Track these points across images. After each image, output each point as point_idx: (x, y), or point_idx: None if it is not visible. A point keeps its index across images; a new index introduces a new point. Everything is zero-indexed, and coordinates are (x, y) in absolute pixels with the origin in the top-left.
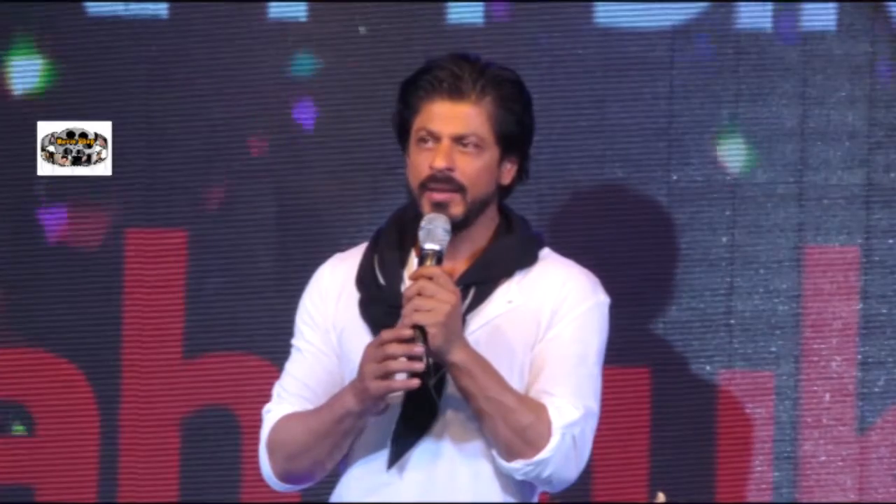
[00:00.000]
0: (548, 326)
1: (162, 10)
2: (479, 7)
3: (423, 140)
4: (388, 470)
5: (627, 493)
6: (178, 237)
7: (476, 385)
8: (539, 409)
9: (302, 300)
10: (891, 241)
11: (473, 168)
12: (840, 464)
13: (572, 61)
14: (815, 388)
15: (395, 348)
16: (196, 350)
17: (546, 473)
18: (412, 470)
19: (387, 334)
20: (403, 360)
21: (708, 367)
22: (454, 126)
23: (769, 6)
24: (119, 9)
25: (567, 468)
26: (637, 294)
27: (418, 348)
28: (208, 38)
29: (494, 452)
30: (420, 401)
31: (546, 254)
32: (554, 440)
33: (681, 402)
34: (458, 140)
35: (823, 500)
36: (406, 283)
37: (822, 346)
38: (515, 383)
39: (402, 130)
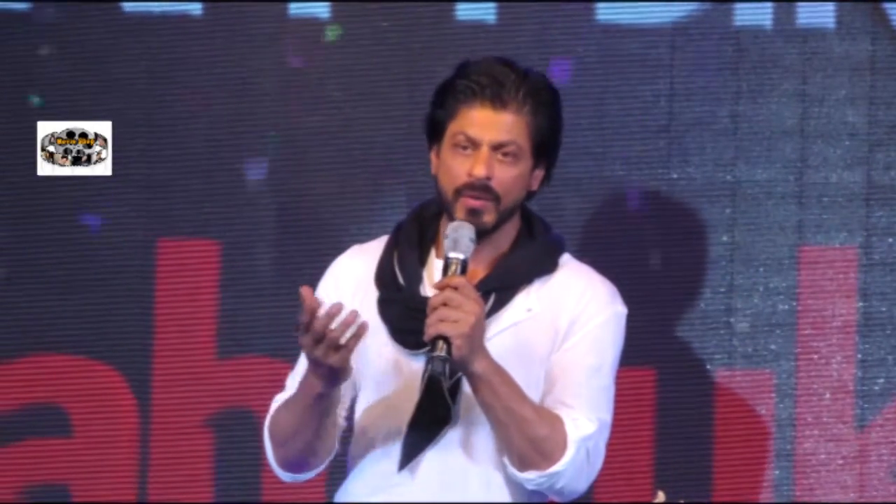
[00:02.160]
0: (565, 336)
1: (196, 8)
2: (490, 5)
3: (460, 145)
4: (398, 471)
5: (631, 494)
6: (210, 246)
7: (495, 396)
8: (555, 422)
9: (317, 290)
10: (890, 239)
11: (510, 177)
12: (839, 462)
13: (572, 59)
14: (815, 386)
15: (321, 324)
16: (228, 352)
17: (559, 485)
18: (423, 472)
19: (302, 323)
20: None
21: (708, 366)
22: (495, 134)
23: (769, 4)
24: (154, 7)
25: (579, 480)
26: (637, 294)
27: (336, 307)
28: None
29: (507, 461)
30: (434, 404)
31: (566, 260)
32: (569, 453)
33: (683, 402)
34: (498, 148)
35: (823, 499)
36: (425, 283)
37: (822, 344)
38: (531, 391)
39: (435, 131)
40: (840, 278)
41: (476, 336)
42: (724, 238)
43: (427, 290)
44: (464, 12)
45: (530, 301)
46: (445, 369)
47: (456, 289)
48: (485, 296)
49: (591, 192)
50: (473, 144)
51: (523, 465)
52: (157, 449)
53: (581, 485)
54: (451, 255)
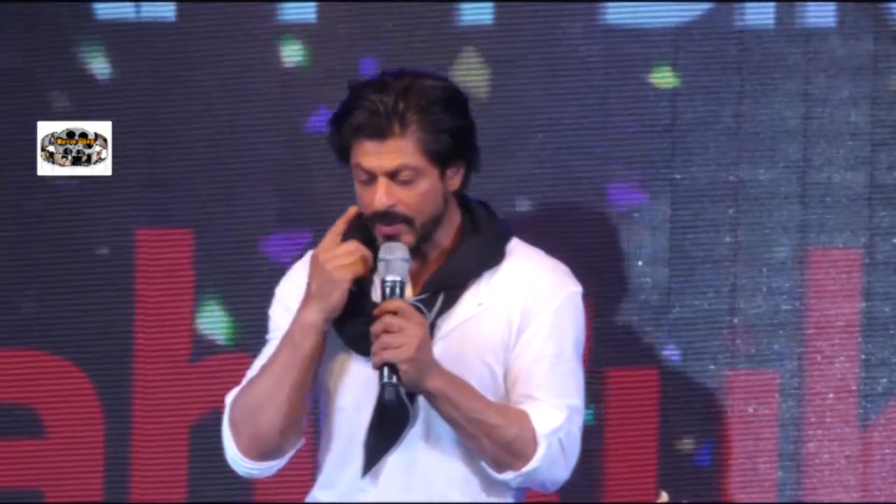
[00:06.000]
0: (520, 329)
1: (169, 12)
2: (489, 7)
3: (360, 177)
4: (362, 477)
5: (637, 494)
6: (185, 237)
7: (456, 409)
8: (522, 420)
9: (276, 293)
10: (894, 240)
11: (413, 198)
12: (843, 462)
13: (576, 60)
14: (819, 387)
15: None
16: (204, 352)
17: (538, 480)
18: (386, 475)
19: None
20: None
21: (712, 367)
22: (384, 163)
23: (772, 5)
24: (128, 11)
25: (557, 471)
26: (638, 293)
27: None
28: (215, 39)
29: (485, 465)
30: (392, 409)
31: (514, 246)
32: (541, 449)
33: (686, 403)
34: (393, 175)
35: (827, 499)
36: (376, 288)
37: (826, 345)
38: (489, 385)
39: (342, 158)
40: (843, 279)
41: (422, 357)
42: (728, 238)
43: (377, 295)
44: (467, 15)
45: (480, 295)
46: (399, 393)
47: (395, 313)
48: (434, 295)
49: (595, 192)
50: (370, 176)
51: (499, 467)
52: (137, 450)
53: (561, 474)
54: (388, 278)
